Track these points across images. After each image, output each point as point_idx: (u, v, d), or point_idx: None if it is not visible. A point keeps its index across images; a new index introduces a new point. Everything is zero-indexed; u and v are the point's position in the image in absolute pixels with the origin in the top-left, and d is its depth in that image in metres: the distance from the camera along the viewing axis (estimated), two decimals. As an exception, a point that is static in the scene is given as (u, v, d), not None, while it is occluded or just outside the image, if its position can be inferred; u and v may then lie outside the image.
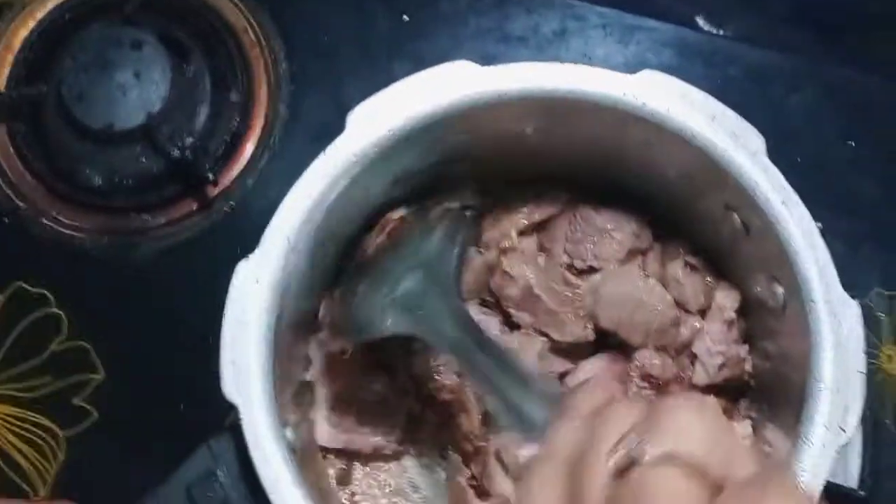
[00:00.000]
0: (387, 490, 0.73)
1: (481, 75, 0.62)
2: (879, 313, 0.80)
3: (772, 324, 0.66)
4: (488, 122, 0.65)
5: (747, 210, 0.62)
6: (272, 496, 0.58)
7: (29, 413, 0.79)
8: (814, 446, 0.58)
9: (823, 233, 0.61)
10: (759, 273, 0.66)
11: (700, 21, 0.88)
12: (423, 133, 0.63)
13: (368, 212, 0.70)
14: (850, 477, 0.74)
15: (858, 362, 0.59)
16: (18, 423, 0.79)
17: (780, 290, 0.63)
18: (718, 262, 0.71)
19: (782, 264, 0.61)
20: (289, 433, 0.62)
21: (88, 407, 0.79)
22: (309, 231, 0.62)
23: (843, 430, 0.58)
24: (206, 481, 0.61)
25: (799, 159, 0.81)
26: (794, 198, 0.61)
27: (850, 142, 0.83)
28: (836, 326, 0.59)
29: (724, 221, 0.65)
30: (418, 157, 0.66)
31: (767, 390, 0.69)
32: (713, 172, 0.62)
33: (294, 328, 0.67)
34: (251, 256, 0.61)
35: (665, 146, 0.63)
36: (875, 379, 0.78)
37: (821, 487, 0.58)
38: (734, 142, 0.61)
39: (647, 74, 0.62)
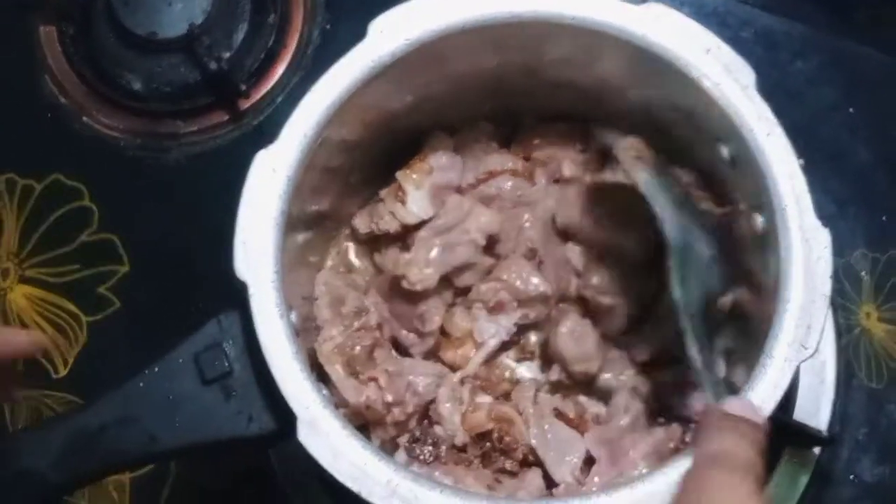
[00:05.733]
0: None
1: (500, -5, 0.65)
2: (862, 272, 0.83)
3: (754, 255, 0.68)
4: (503, 43, 0.68)
5: (734, 141, 0.65)
6: (273, 368, 0.61)
7: (56, 297, 0.83)
8: (775, 359, 0.60)
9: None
10: (742, 204, 0.68)
11: (721, -14, 0.91)
12: (440, 46, 0.66)
13: (394, 129, 0.74)
14: (821, 422, 0.79)
15: (824, 286, 0.61)
16: (45, 305, 0.83)
17: (760, 219, 0.65)
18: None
19: (763, 193, 0.63)
20: (293, 316, 0.64)
21: (111, 296, 0.83)
22: (326, 129, 0.65)
23: (805, 348, 0.60)
24: (213, 351, 0.64)
25: (798, 121, 0.83)
26: (778, 130, 0.63)
27: (850, 109, 0.86)
28: (807, 251, 0.61)
29: (714, 154, 0.68)
30: (437, 74, 0.70)
31: (745, 323, 0.70)
32: (705, 103, 0.65)
33: (307, 224, 0.71)
34: (270, 147, 0.64)
35: (662, 76, 0.66)
36: (853, 333, 0.82)
37: (779, 399, 0.59)
38: (727, 74, 0.64)
39: (651, 7, 0.65)
